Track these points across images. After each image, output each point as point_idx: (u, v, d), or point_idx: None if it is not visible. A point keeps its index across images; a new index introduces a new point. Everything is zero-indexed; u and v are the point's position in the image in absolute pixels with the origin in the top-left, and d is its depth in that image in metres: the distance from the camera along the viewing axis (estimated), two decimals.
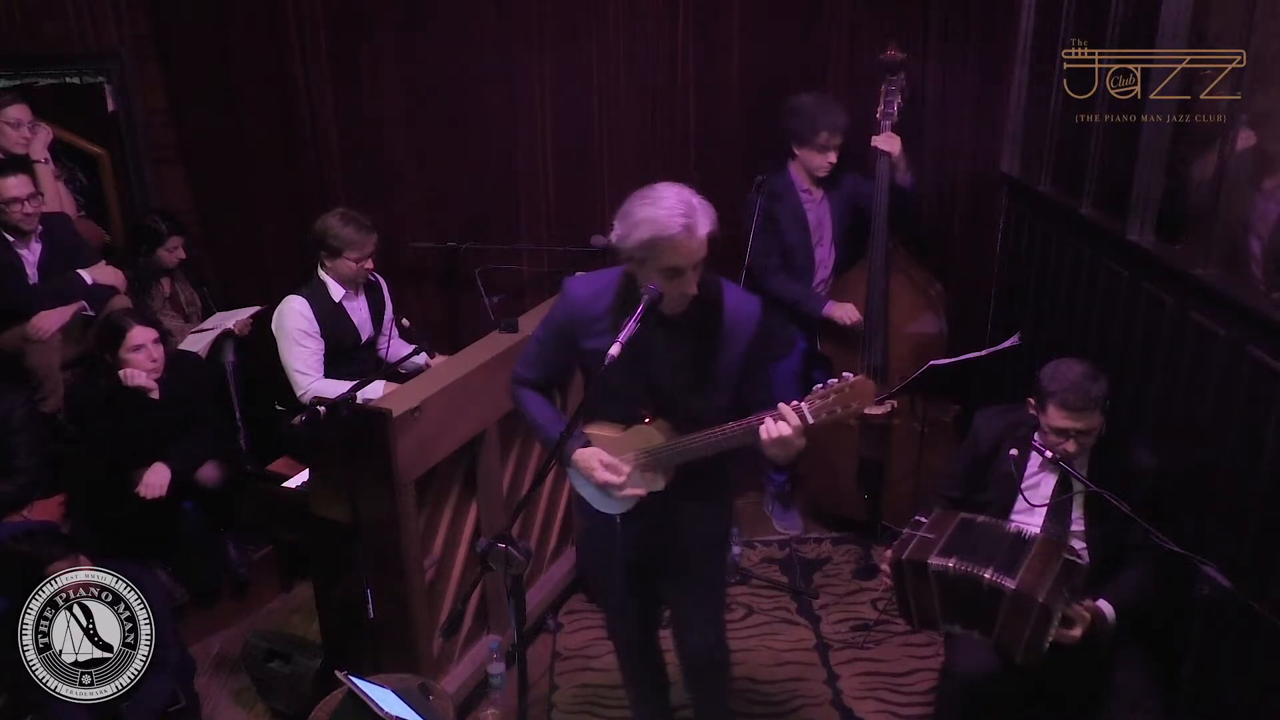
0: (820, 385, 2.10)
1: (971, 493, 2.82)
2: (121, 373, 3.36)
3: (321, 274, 3.58)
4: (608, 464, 2.31)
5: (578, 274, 2.47)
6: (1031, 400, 2.68)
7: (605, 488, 2.33)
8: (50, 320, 3.60)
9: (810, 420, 2.10)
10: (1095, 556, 2.63)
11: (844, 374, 2.10)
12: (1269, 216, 2.60)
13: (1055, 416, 2.57)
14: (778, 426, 2.13)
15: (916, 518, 2.68)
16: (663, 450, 2.30)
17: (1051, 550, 2.51)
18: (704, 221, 2.15)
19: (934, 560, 2.52)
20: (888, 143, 3.65)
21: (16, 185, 3.57)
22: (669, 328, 2.27)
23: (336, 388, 3.27)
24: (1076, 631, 2.47)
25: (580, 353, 2.36)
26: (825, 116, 3.72)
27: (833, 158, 3.79)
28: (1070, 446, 2.59)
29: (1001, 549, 2.52)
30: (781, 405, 2.14)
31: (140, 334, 3.37)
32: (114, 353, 3.37)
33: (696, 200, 2.17)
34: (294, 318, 3.48)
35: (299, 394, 3.49)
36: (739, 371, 2.31)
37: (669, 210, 2.13)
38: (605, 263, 2.42)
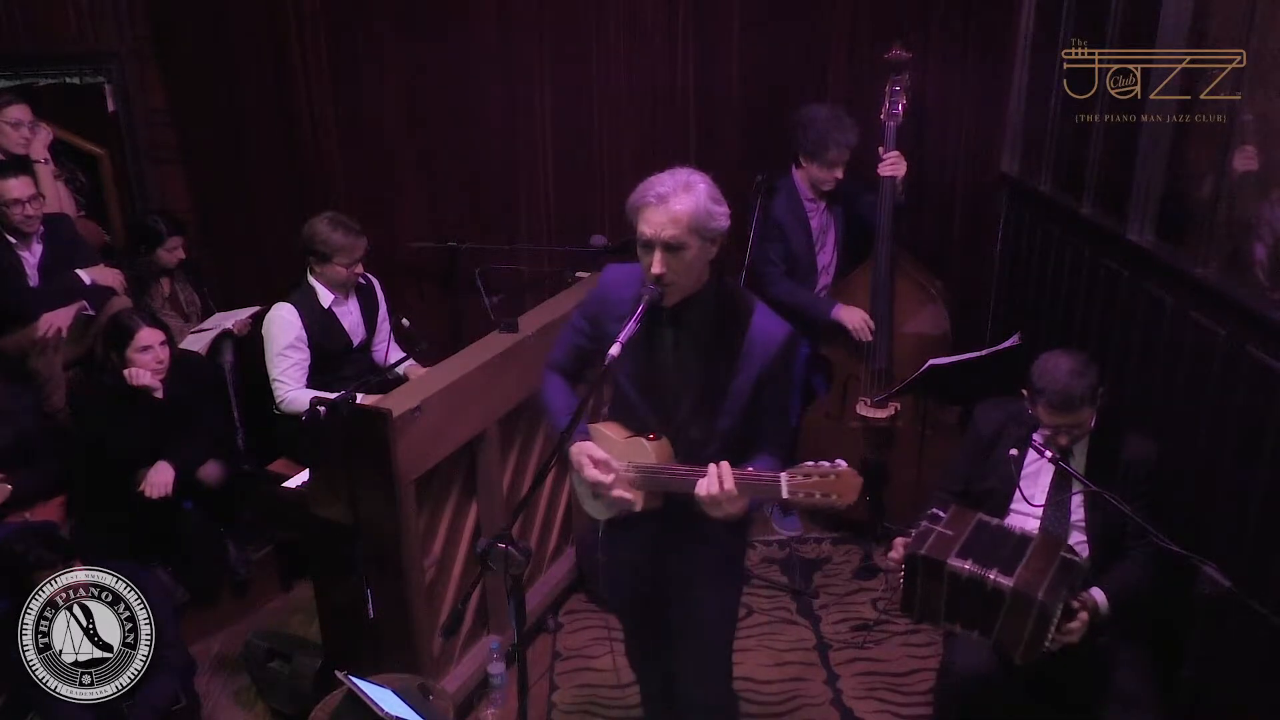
0: (810, 463, 1.99)
1: (973, 483, 2.84)
2: (126, 372, 3.35)
3: (311, 279, 3.54)
4: (598, 461, 2.23)
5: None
6: (1025, 392, 2.71)
7: (592, 486, 2.26)
8: (59, 320, 3.61)
9: (785, 495, 1.99)
10: (1095, 546, 2.64)
11: (837, 460, 1.98)
12: (1275, 222, 2.60)
13: (1043, 414, 2.63)
14: (708, 484, 2.05)
15: (934, 511, 2.67)
16: (647, 472, 2.22)
17: (1050, 548, 2.52)
18: (685, 200, 2.06)
19: (952, 561, 2.52)
20: (893, 167, 3.63)
21: (18, 187, 3.57)
22: (682, 331, 2.20)
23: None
24: (1076, 624, 2.47)
25: (604, 339, 2.25)
26: (837, 134, 3.67)
27: (839, 174, 3.75)
28: (1061, 440, 2.65)
29: (1005, 551, 2.53)
30: (713, 465, 2.06)
31: (149, 335, 3.37)
32: (120, 351, 3.37)
33: (703, 185, 2.09)
34: (282, 326, 3.45)
35: (276, 400, 3.48)
36: (749, 395, 2.18)
37: (655, 180, 2.11)
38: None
